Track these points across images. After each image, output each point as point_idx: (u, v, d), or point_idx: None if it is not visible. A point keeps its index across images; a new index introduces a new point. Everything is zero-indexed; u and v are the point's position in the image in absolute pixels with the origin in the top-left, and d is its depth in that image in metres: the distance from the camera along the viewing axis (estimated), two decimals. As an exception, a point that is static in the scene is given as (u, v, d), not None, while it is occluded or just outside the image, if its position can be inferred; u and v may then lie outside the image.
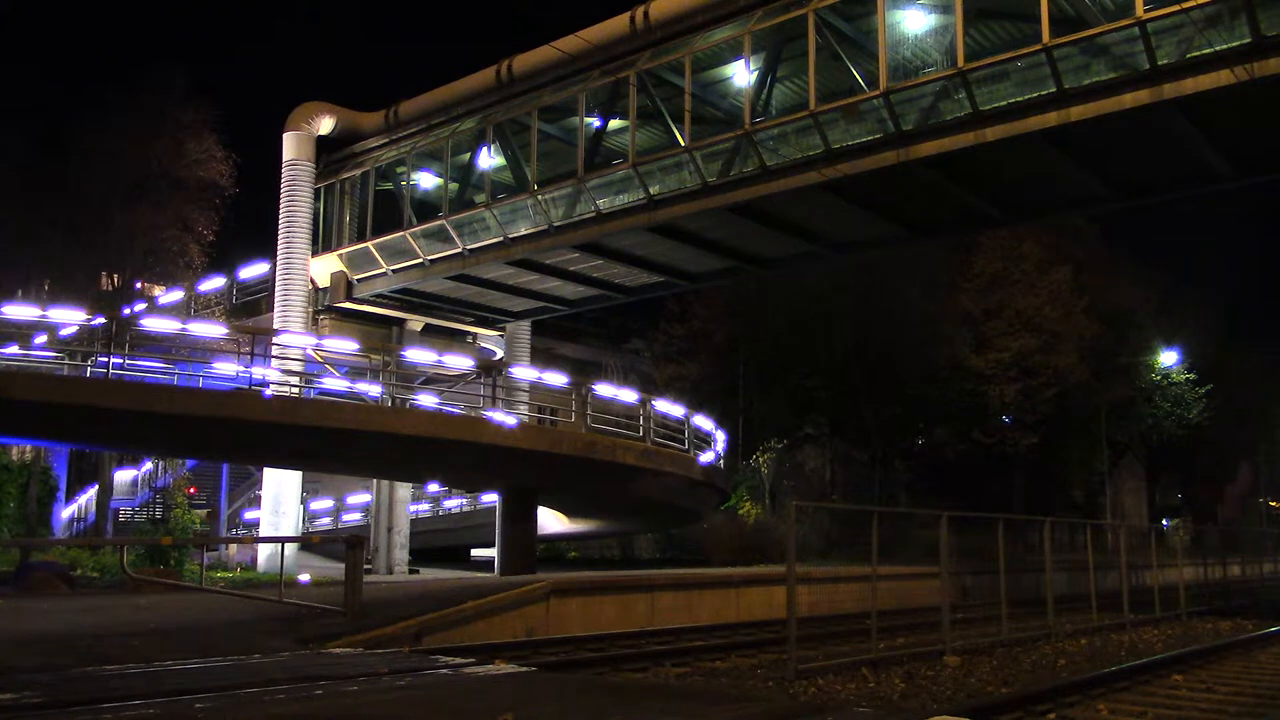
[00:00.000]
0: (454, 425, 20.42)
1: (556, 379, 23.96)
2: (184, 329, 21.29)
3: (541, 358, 35.80)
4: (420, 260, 24.93)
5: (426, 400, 22.46)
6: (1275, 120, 16.54)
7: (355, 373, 22.48)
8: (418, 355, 23.19)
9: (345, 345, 23.02)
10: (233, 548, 27.11)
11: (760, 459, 35.35)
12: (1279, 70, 14.39)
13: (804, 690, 10.80)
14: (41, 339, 20.94)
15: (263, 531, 25.72)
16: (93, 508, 31.81)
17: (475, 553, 34.30)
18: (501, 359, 29.60)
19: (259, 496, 27.34)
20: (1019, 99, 16.41)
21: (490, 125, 23.84)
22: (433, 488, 32.39)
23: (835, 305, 37.54)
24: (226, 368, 20.88)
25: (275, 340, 22.12)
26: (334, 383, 21.67)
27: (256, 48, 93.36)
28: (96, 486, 30.89)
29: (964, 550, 24.72)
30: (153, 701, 6.65)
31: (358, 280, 26.50)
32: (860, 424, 39.05)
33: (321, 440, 18.89)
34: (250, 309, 29.55)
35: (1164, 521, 48.65)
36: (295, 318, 26.22)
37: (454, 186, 25.23)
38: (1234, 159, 17.62)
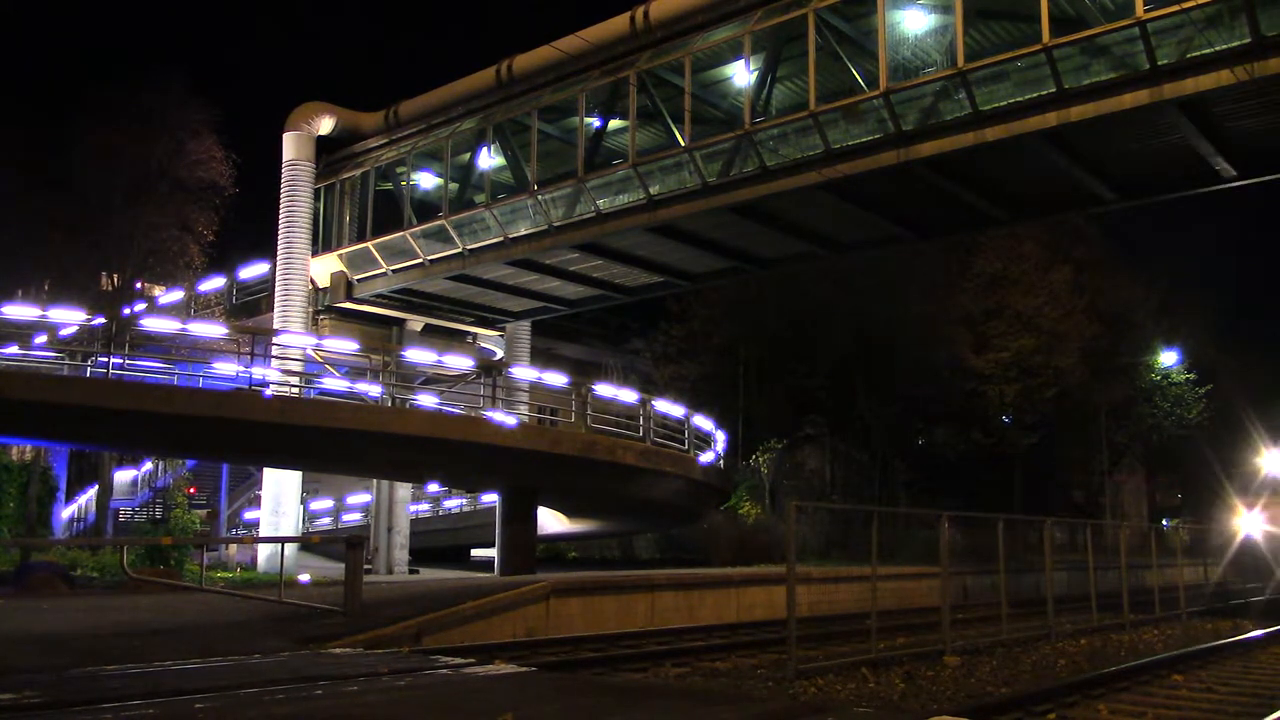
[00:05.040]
0: (454, 425, 20.42)
1: (556, 379, 23.96)
2: (184, 329, 21.31)
3: (541, 358, 35.80)
4: (420, 260, 24.93)
5: (426, 400, 22.46)
6: (1276, 120, 16.54)
7: (355, 373, 22.49)
8: (418, 355, 23.19)
9: (345, 345, 23.03)
10: (233, 548, 27.11)
11: (760, 459, 35.34)
12: (1279, 70, 14.39)
13: (804, 690, 10.79)
14: (41, 339, 20.94)
15: (263, 531, 25.72)
16: (93, 508, 31.82)
17: (475, 553, 34.31)
18: (501, 359, 29.60)
19: (259, 496, 27.33)
20: (1019, 99, 16.41)
21: (490, 125, 23.84)
22: (433, 488, 32.39)
23: (835, 305, 37.52)
24: (226, 368, 20.91)
25: (275, 340, 22.13)
26: (334, 383, 21.68)
27: (257, 48, 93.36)
28: (96, 486, 30.90)
29: (964, 550, 24.75)
30: (152, 702, 6.66)
31: (358, 280, 26.50)
32: (860, 424, 39.04)
33: (321, 440, 18.89)
34: (250, 309, 29.55)
35: (1164, 521, 48.64)
36: (295, 318, 26.21)
37: (454, 186, 25.23)
38: (1235, 159, 17.61)
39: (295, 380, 21.23)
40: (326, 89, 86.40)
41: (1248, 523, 31.42)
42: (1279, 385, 50.28)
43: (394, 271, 25.64)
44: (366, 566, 17.61)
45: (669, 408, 25.32)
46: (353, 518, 33.60)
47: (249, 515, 32.65)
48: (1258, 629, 17.62)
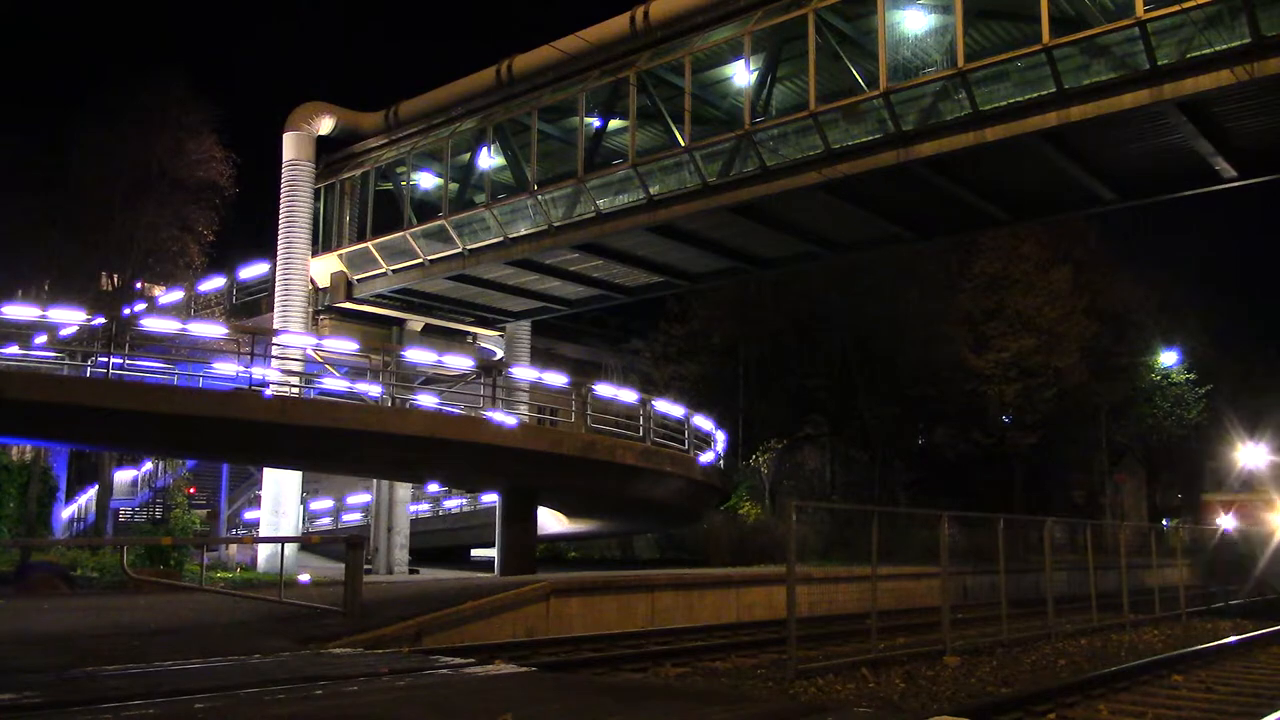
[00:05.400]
0: (454, 425, 20.41)
1: (556, 379, 23.96)
2: (184, 329, 21.29)
3: (541, 358, 35.80)
4: (420, 260, 24.93)
5: (426, 400, 22.46)
6: (1276, 120, 16.54)
7: (355, 373, 22.49)
8: (418, 355, 23.19)
9: (345, 345, 23.02)
10: (233, 548, 27.09)
11: (760, 459, 35.36)
12: (1279, 70, 14.39)
13: (804, 690, 10.79)
14: (41, 339, 20.93)
15: (263, 531, 25.71)
16: (93, 508, 31.81)
17: (475, 553, 34.31)
18: (501, 359, 29.59)
19: (259, 496, 27.33)
20: (1019, 99, 16.40)
21: (490, 125, 23.84)
22: (433, 488, 32.38)
23: (835, 305, 37.55)
24: (226, 368, 20.89)
25: (275, 340, 22.12)
26: (334, 383, 21.67)
27: (256, 48, 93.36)
28: (96, 486, 30.89)
29: (964, 550, 24.74)
30: (152, 701, 6.66)
31: (358, 280, 26.50)
32: (860, 424, 39.08)
33: (321, 440, 18.89)
34: (250, 309, 29.54)
35: (1164, 521, 48.64)
36: (295, 318, 26.21)
37: (454, 186, 25.23)
38: (1235, 159, 17.60)
39: (295, 380, 21.22)
40: (326, 89, 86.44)
41: (1223, 520, 30.48)
42: (1276, 384, 50.31)
43: (394, 271, 25.63)
44: (366, 566, 17.62)
45: (669, 408, 25.32)
46: (353, 518, 33.58)
47: (249, 515, 32.64)
48: (1236, 634, 17.39)
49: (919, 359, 37.27)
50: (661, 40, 20.86)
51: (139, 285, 29.89)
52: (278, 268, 26.69)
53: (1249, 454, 34.59)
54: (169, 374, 21.77)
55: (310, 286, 26.85)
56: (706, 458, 25.79)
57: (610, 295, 27.18)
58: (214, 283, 30.97)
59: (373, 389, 21.13)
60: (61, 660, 8.71)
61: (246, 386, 19.22)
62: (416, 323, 28.09)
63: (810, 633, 14.73)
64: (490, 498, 27.65)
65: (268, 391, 19.26)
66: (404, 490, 27.85)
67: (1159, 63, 15.06)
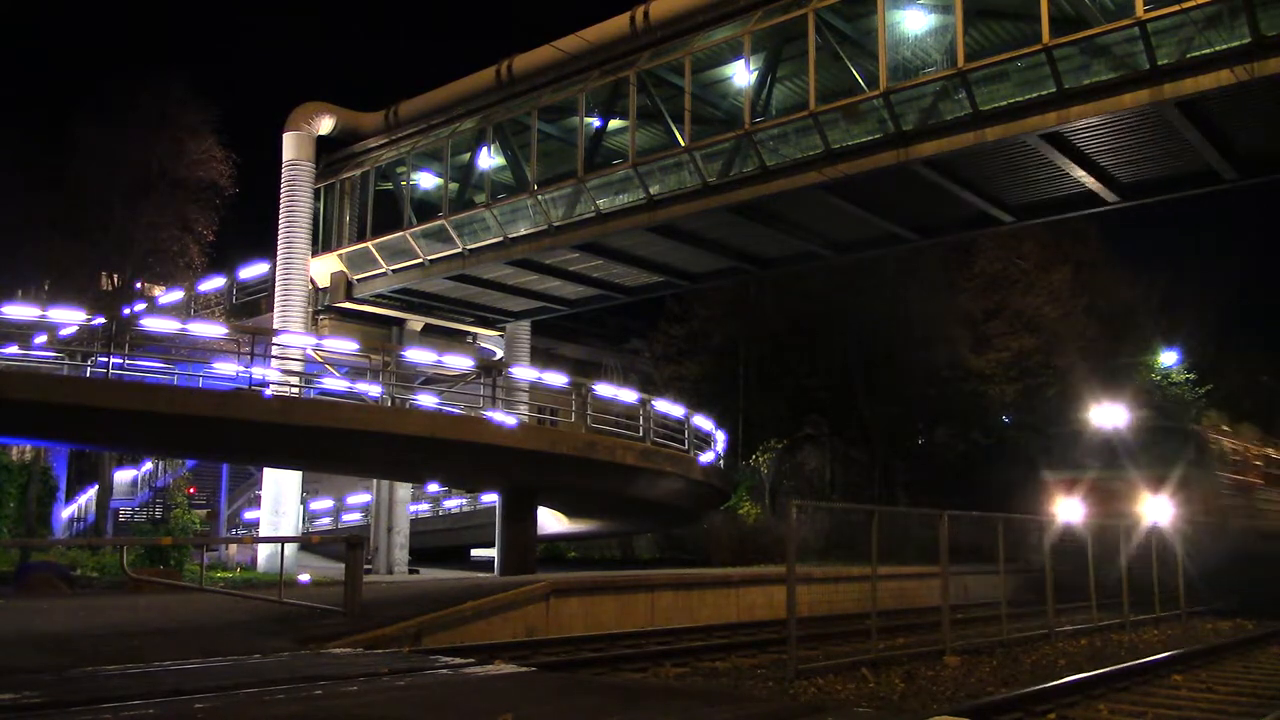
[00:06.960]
0: (454, 425, 20.41)
1: (556, 379, 23.96)
2: (184, 329, 21.29)
3: (541, 358, 35.80)
4: (420, 260, 24.93)
5: (426, 400, 22.46)
6: (1276, 120, 16.54)
7: (355, 373, 22.48)
8: (418, 355, 23.19)
9: (345, 345, 23.02)
10: (233, 548, 27.12)
11: (760, 459, 35.35)
12: (1279, 70, 14.39)
13: (804, 690, 10.78)
14: (41, 339, 20.94)
15: (263, 531, 25.72)
16: (93, 508, 31.83)
17: (475, 553, 34.31)
18: (501, 359, 29.60)
19: (259, 496, 27.34)
20: (1019, 99, 16.41)
21: (490, 125, 23.85)
22: (433, 488, 32.38)
23: (835, 305, 37.54)
24: (226, 368, 20.89)
25: (275, 340, 22.11)
26: (334, 383, 21.67)
27: (256, 48, 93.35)
28: (96, 486, 30.90)
29: (964, 550, 24.67)
30: (152, 701, 6.66)
31: (358, 280, 26.50)
32: (860, 424, 39.05)
33: (321, 440, 18.89)
34: (250, 309, 29.55)
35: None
36: (295, 318, 26.21)
37: (454, 186, 25.24)
38: (1234, 159, 17.60)
39: (295, 380, 21.23)
40: (326, 89, 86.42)
41: (1065, 510, 22.55)
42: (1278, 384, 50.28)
43: (394, 271, 25.64)
44: (366, 566, 17.62)
45: (669, 408, 25.30)
46: (353, 518, 33.59)
47: (249, 515, 32.64)
48: (1236, 634, 17.01)
49: (919, 359, 37.24)
50: (661, 40, 20.87)
51: (139, 285, 29.91)
52: (278, 268, 26.70)
53: (1104, 415, 25.31)
54: (169, 374, 21.76)
55: (310, 286, 26.86)
56: (706, 458, 25.78)
57: (610, 295, 27.18)
58: (214, 283, 30.98)
59: (373, 389, 21.12)
60: (61, 660, 8.70)
61: (246, 386, 19.22)
62: (416, 323, 28.09)
63: (810, 633, 14.71)
64: (490, 498, 27.65)
65: (268, 391, 19.25)
66: (404, 490, 27.85)
67: (1159, 63, 15.06)
